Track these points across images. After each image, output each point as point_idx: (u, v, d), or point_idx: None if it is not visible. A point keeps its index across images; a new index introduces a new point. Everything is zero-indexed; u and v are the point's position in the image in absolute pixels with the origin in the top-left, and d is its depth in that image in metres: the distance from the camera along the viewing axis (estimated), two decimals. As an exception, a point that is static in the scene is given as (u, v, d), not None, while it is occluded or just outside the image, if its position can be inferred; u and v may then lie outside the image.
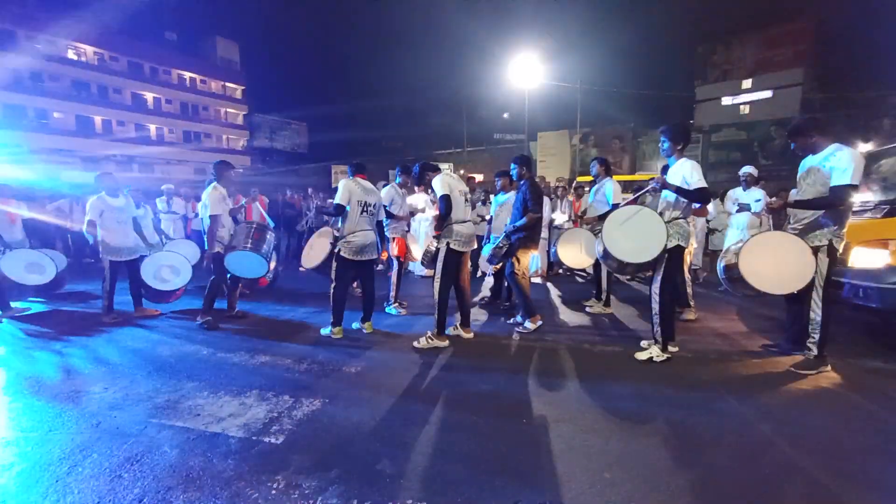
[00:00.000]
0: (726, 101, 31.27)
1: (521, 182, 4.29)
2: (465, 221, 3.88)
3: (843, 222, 3.02)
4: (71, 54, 31.22)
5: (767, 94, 29.18)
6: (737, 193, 5.96)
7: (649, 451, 2.20)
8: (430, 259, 4.18)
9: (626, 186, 10.39)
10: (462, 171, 24.50)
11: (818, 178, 3.02)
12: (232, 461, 2.12)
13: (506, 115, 34.33)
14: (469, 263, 4.16)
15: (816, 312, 3.08)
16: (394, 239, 5.01)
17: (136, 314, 4.83)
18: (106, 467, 2.08)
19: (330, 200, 4.21)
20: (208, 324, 4.38)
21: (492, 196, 6.02)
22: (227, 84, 41.84)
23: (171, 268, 4.84)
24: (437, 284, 3.83)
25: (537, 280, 6.63)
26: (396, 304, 5.02)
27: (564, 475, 2.00)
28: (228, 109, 42.21)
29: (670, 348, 3.44)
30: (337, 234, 4.07)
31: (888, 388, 2.90)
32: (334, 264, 4.00)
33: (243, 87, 43.05)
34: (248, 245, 4.37)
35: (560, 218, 6.86)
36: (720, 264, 3.66)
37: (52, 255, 5.13)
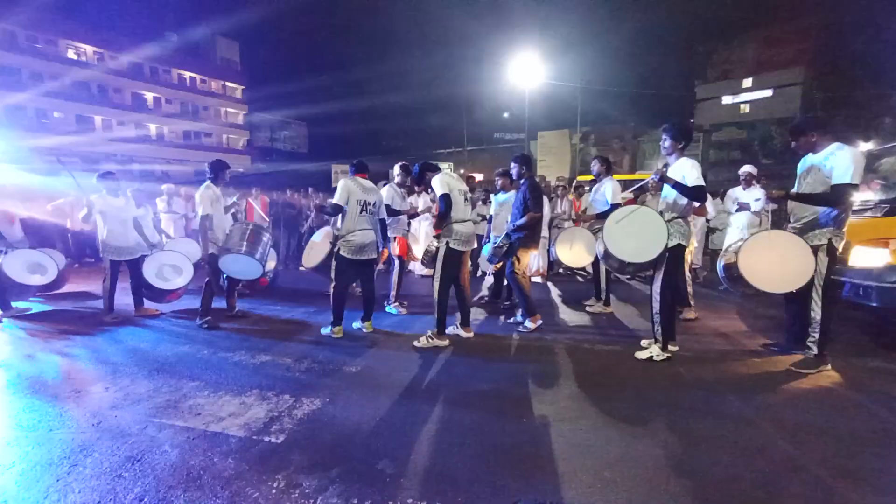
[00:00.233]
0: (727, 100, 31.28)
1: (522, 181, 4.29)
2: (464, 221, 3.88)
3: (843, 221, 3.02)
4: (71, 54, 31.21)
5: (768, 93, 29.20)
6: (736, 193, 5.96)
7: (649, 450, 2.20)
8: (430, 258, 4.19)
9: (627, 186, 10.38)
10: (462, 171, 24.49)
11: (818, 177, 3.02)
12: (232, 460, 2.13)
13: (506, 115, 34.35)
14: (469, 263, 4.16)
15: (816, 311, 3.08)
16: (395, 238, 5.01)
17: (136, 314, 4.84)
18: (107, 467, 2.09)
19: (330, 200, 4.20)
20: (208, 323, 4.39)
21: (492, 195, 6.02)
22: (227, 84, 41.81)
23: (173, 267, 4.84)
24: (436, 284, 3.83)
25: (538, 279, 6.64)
26: (397, 304, 5.03)
27: (565, 475, 2.00)
28: (228, 109, 42.19)
29: (670, 347, 3.44)
30: (336, 234, 4.07)
31: (888, 387, 2.90)
32: (334, 263, 4.00)
33: (243, 87, 43.03)
34: (243, 248, 4.31)
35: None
36: (720, 263, 3.66)
37: (54, 255, 5.13)
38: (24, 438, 2.35)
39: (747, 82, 30.32)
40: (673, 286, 3.43)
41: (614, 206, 4.52)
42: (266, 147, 41.71)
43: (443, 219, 3.78)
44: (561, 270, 7.47)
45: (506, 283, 5.05)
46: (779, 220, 5.76)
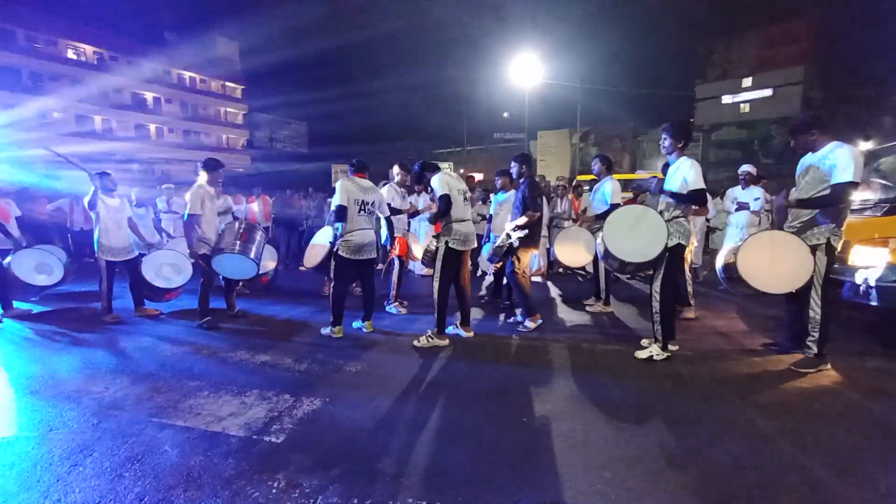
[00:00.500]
0: (726, 99, 31.27)
1: (521, 181, 4.29)
2: (464, 220, 3.88)
3: (842, 220, 3.02)
4: (71, 54, 31.19)
5: (768, 92, 29.19)
6: (736, 192, 5.96)
7: (649, 449, 2.20)
8: (430, 258, 4.18)
9: (627, 185, 10.41)
10: (462, 171, 24.50)
11: (817, 176, 3.02)
12: (232, 460, 2.13)
13: (506, 114, 34.35)
14: (469, 262, 4.16)
15: (816, 311, 3.08)
16: (395, 238, 5.01)
17: (136, 314, 4.84)
18: (107, 466, 2.09)
19: (330, 200, 4.20)
20: (208, 323, 4.38)
21: (492, 195, 6.02)
22: (227, 83, 41.80)
23: (172, 266, 4.84)
24: (436, 283, 3.83)
25: (538, 279, 6.63)
26: (396, 304, 5.03)
27: (565, 474, 2.00)
28: (228, 109, 42.19)
29: (670, 347, 3.44)
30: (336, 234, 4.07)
31: (888, 386, 2.90)
32: (333, 263, 4.00)
33: (243, 87, 43.02)
34: (236, 248, 4.30)
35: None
36: (719, 263, 3.66)
37: (58, 254, 5.12)
38: (25, 438, 2.35)
39: (747, 82, 30.31)
40: (673, 285, 3.43)
41: (614, 206, 4.52)
42: (266, 147, 41.68)
43: (441, 218, 3.78)
44: (561, 270, 7.47)
45: (505, 282, 5.05)
46: (778, 220, 5.75)
